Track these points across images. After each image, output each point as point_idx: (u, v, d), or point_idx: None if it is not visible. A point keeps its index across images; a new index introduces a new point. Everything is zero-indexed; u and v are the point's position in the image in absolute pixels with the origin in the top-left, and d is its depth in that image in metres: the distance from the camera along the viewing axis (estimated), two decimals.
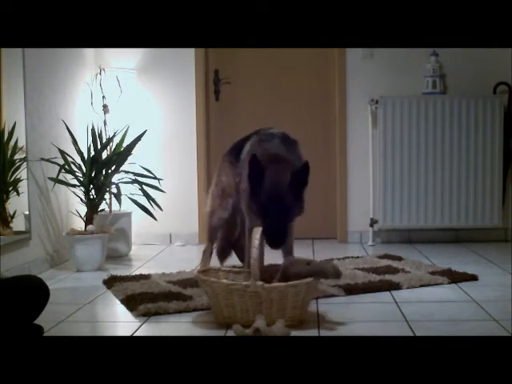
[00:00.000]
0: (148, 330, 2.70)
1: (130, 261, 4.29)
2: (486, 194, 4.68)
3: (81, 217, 4.22)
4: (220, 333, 2.59)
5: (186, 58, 4.87)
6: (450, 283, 3.39)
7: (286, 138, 3.05)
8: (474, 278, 3.49)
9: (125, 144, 4.36)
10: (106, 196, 4.34)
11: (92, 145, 4.24)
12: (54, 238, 4.12)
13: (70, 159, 4.12)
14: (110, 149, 4.40)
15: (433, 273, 3.57)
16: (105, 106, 4.57)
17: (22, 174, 3.71)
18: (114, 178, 4.27)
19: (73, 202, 4.32)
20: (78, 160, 4.18)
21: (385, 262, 3.90)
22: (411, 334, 2.53)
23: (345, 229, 4.92)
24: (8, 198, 3.64)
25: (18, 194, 3.68)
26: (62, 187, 4.19)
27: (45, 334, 2.51)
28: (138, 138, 4.30)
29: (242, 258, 3.40)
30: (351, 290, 3.22)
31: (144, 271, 3.80)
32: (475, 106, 4.64)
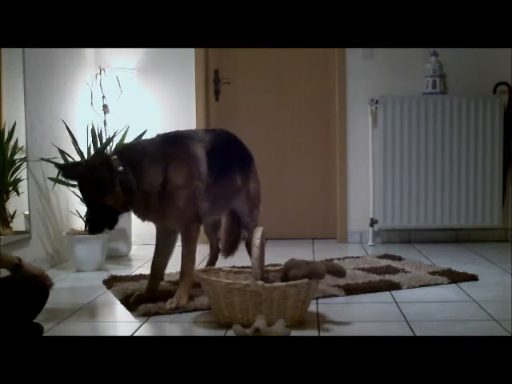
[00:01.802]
0: (148, 329, 2.70)
1: (130, 261, 4.29)
2: (486, 194, 4.68)
3: (81, 217, 4.22)
4: (220, 333, 2.59)
5: (186, 58, 4.87)
6: (449, 283, 3.39)
7: (174, 136, 3.12)
8: (474, 277, 3.49)
9: None
10: None
11: (92, 145, 4.24)
12: (54, 238, 4.12)
13: (70, 159, 4.12)
14: (110, 149, 4.39)
15: (433, 273, 3.57)
16: (105, 106, 4.56)
17: (22, 174, 3.71)
18: None
19: (73, 202, 4.32)
20: (78, 160, 4.17)
21: (385, 262, 3.90)
22: (411, 334, 2.53)
23: (345, 229, 4.92)
24: (8, 198, 3.64)
25: (18, 193, 3.68)
26: (62, 187, 4.19)
27: (45, 334, 2.51)
28: (138, 138, 4.29)
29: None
30: (351, 290, 3.22)
31: (144, 271, 3.79)
32: (475, 106, 4.64)
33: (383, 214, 4.72)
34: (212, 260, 3.57)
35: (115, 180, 2.84)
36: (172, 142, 3.06)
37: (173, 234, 3.15)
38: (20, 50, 3.71)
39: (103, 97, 4.58)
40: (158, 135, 3.14)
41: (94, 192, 2.86)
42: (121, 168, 2.86)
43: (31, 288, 2.52)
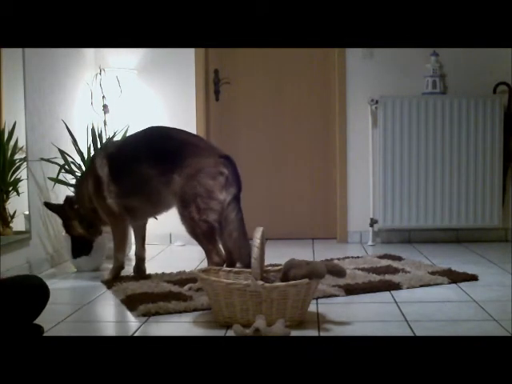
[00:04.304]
0: (148, 330, 2.70)
1: (130, 261, 4.28)
2: (486, 194, 4.68)
3: None
4: (220, 333, 2.59)
5: (186, 58, 4.87)
6: (450, 283, 3.39)
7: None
8: (474, 278, 3.49)
9: None
10: None
11: (92, 145, 4.24)
12: (54, 238, 4.12)
13: (69, 159, 4.12)
14: None
15: (433, 273, 3.57)
16: (105, 106, 4.57)
17: (22, 174, 3.71)
18: None
19: None
20: (78, 160, 4.18)
21: (385, 262, 3.90)
22: (411, 334, 2.53)
23: (345, 229, 4.92)
24: (8, 197, 3.64)
25: (18, 193, 3.68)
26: (62, 187, 4.19)
27: (45, 334, 2.51)
28: None
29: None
30: (351, 290, 3.22)
31: None
32: (475, 106, 4.64)
33: (383, 214, 4.72)
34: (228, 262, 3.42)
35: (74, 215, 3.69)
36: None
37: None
38: (20, 50, 3.71)
39: (103, 97, 4.58)
40: None
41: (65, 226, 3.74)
42: (76, 206, 3.67)
43: (32, 289, 2.52)
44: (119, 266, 3.63)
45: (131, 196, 3.49)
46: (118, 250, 3.62)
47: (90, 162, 3.67)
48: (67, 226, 3.73)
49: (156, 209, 3.60)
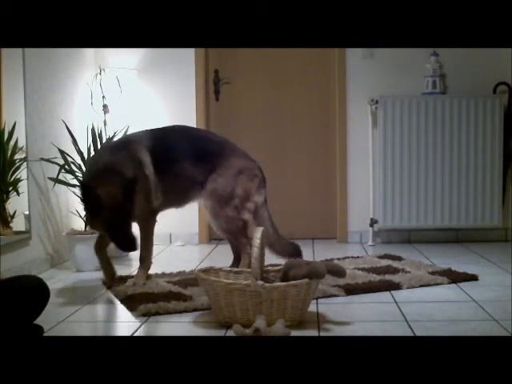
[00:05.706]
0: (148, 330, 2.70)
1: (130, 261, 4.29)
2: (486, 194, 4.68)
3: (81, 217, 4.22)
4: (220, 333, 2.59)
5: (186, 58, 4.88)
6: (449, 283, 3.39)
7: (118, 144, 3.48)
8: (474, 278, 3.49)
9: None
10: None
11: (92, 145, 4.24)
12: (54, 238, 4.12)
13: (69, 159, 4.12)
14: None
15: (433, 273, 3.57)
16: (105, 106, 4.57)
17: (22, 174, 3.71)
18: None
19: (73, 202, 4.32)
20: (78, 160, 4.18)
21: (385, 262, 3.90)
22: (411, 334, 2.53)
23: (345, 229, 4.92)
24: (8, 197, 3.64)
25: (18, 193, 3.68)
26: (62, 187, 4.19)
27: (45, 334, 2.51)
28: None
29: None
30: (351, 290, 3.22)
31: None
32: (475, 106, 4.64)
33: (383, 214, 4.72)
34: (235, 262, 3.61)
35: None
36: (120, 149, 3.39)
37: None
38: (20, 50, 3.71)
39: (103, 97, 4.58)
40: (106, 144, 3.84)
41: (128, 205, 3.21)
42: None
43: (32, 289, 2.52)
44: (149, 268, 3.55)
45: (168, 197, 3.48)
46: (149, 251, 3.54)
47: (129, 151, 3.35)
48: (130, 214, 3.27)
49: (177, 204, 3.60)
